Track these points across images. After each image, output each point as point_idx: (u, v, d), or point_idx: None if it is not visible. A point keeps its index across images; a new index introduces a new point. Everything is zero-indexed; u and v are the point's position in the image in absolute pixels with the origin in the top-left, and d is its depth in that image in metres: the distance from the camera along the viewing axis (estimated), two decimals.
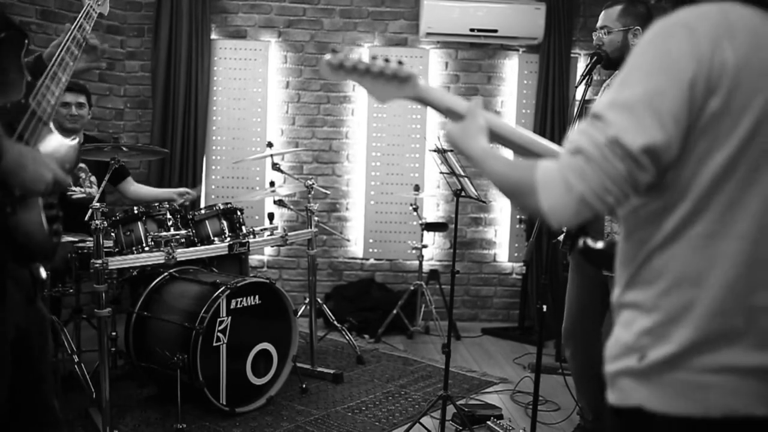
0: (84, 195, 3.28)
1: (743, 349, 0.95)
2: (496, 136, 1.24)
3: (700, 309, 0.96)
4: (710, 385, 0.95)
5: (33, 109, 1.41)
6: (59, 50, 1.58)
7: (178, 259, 2.98)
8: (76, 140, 1.57)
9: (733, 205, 0.95)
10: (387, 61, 1.25)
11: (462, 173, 2.95)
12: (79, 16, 1.68)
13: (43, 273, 1.43)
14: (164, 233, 3.06)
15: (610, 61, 2.53)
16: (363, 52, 4.91)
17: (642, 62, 0.96)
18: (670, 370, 0.97)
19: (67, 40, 1.61)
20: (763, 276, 0.96)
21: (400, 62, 1.24)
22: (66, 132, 3.65)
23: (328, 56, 1.23)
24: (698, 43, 0.92)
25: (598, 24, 2.54)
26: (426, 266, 4.82)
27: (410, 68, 1.25)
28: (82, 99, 3.39)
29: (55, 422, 1.55)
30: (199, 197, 4.70)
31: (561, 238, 2.70)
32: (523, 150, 1.26)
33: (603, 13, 2.54)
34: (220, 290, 2.99)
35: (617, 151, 0.91)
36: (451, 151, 2.98)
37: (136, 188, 3.80)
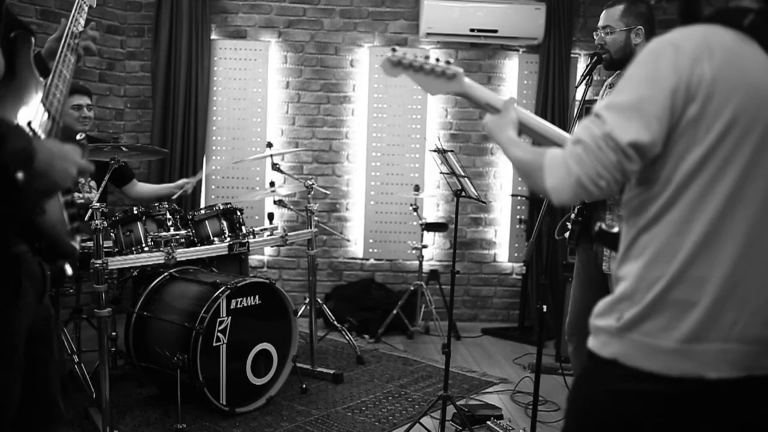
0: (83, 201, 3.27)
1: (697, 318, 1.12)
2: (526, 128, 1.47)
3: (666, 278, 1.14)
4: (670, 351, 1.12)
5: (47, 108, 1.42)
6: (61, 47, 1.58)
7: (178, 259, 2.98)
8: (83, 134, 1.59)
9: (703, 195, 1.12)
10: (438, 60, 1.48)
11: (462, 173, 2.95)
12: (73, 10, 1.68)
13: (69, 270, 1.45)
14: (164, 233, 3.06)
15: (613, 62, 2.52)
16: (363, 53, 4.91)
17: (636, 72, 1.16)
18: (636, 329, 1.15)
19: (66, 35, 1.62)
20: (720, 254, 1.12)
21: (448, 62, 1.48)
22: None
23: (388, 53, 1.46)
24: (681, 58, 1.11)
25: (600, 23, 2.53)
26: (426, 266, 4.82)
27: (457, 68, 1.48)
28: (90, 101, 3.44)
29: (59, 417, 1.58)
30: (199, 195, 4.71)
31: (567, 235, 2.72)
32: (547, 141, 1.48)
33: (604, 12, 2.53)
34: (220, 290, 2.99)
35: (610, 144, 1.10)
36: (451, 151, 2.98)
37: (139, 188, 3.81)
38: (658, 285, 1.14)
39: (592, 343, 1.23)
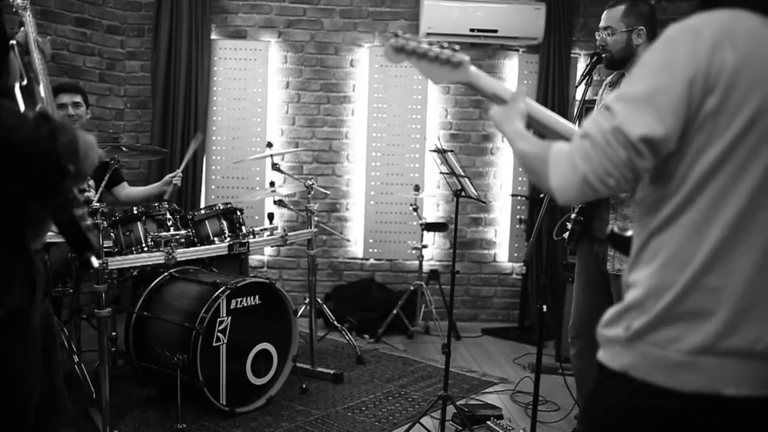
0: (84, 198, 3.27)
1: (713, 330, 1.03)
2: (534, 121, 1.35)
3: (679, 286, 1.05)
4: (682, 364, 1.04)
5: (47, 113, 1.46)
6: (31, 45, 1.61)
7: (178, 259, 2.98)
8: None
9: (721, 197, 1.04)
10: (442, 47, 1.35)
11: (462, 173, 2.95)
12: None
13: (95, 261, 1.52)
14: (164, 233, 3.06)
15: (614, 61, 2.52)
16: (363, 53, 4.91)
17: (649, 62, 1.06)
18: (646, 340, 1.07)
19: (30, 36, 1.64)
20: (739, 261, 1.04)
21: (454, 49, 1.35)
22: None
23: (392, 40, 1.35)
24: (700, 46, 1.01)
25: (602, 24, 2.52)
26: (426, 266, 4.82)
27: (463, 55, 1.35)
28: (78, 98, 3.35)
29: (65, 408, 1.62)
30: (199, 188, 4.70)
31: (566, 236, 2.71)
32: (556, 135, 1.36)
33: (606, 13, 2.52)
34: (220, 290, 2.99)
35: (620, 139, 1.01)
36: (451, 151, 2.98)
37: (127, 191, 3.77)
38: (670, 293, 1.05)
39: (602, 354, 1.15)
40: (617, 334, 1.11)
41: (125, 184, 3.79)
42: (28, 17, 1.66)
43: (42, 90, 1.51)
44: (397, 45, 1.34)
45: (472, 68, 1.36)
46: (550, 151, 1.12)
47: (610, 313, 1.15)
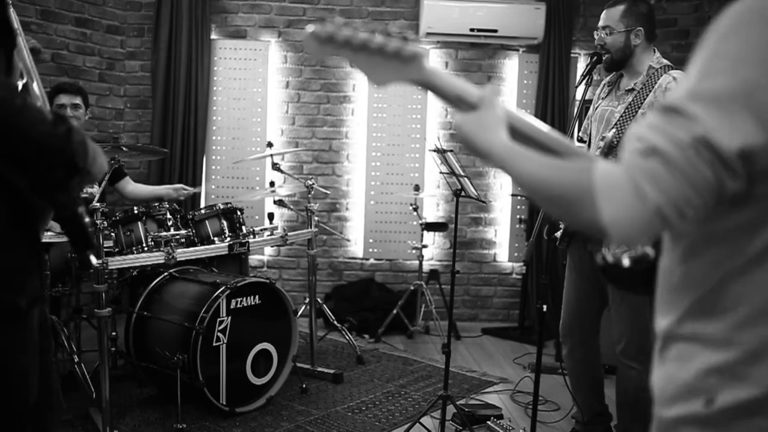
0: (86, 195, 3.29)
1: None
2: (513, 131, 1.02)
3: None
4: None
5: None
6: (23, 47, 1.61)
7: (178, 259, 2.99)
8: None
9: None
10: (389, 35, 1.00)
11: (462, 173, 2.95)
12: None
13: (94, 260, 1.56)
14: (164, 233, 3.07)
15: (613, 62, 2.52)
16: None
17: (729, 49, 0.78)
18: (748, 416, 0.81)
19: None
20: None
21: (405, 38, 1.00)
22: None
23: (312, 27, 0.98)
24: None
25: (600, 23, 2.52)
26: (426, 266, 4.82)
27: (416, 46, 1.01)
28: (78, 100, 3.35)
29: (59, 407, 1.64)
30: (198, 195, 4.70)
31: (558, 234, 2.69)
32: (542, 149, 1.04)
33: (605, 12, 2.52)
34: (220, 290, 2.99)
35: (705, 154, 0.75)
36: (451, 151, 2.97)
37: (133, 187, 3.80)
38: None
39: None
40: (693, 412, 0.85)
41: (128, 179, 3.80)
42: (14, 16, 1.67)
43: (36, 89, 1.52)
44: (322, 34, 0.98)
45: (428, 64, 1.03)
46: (592, 174, 0.82)
47: (665, 385, 0.89)
